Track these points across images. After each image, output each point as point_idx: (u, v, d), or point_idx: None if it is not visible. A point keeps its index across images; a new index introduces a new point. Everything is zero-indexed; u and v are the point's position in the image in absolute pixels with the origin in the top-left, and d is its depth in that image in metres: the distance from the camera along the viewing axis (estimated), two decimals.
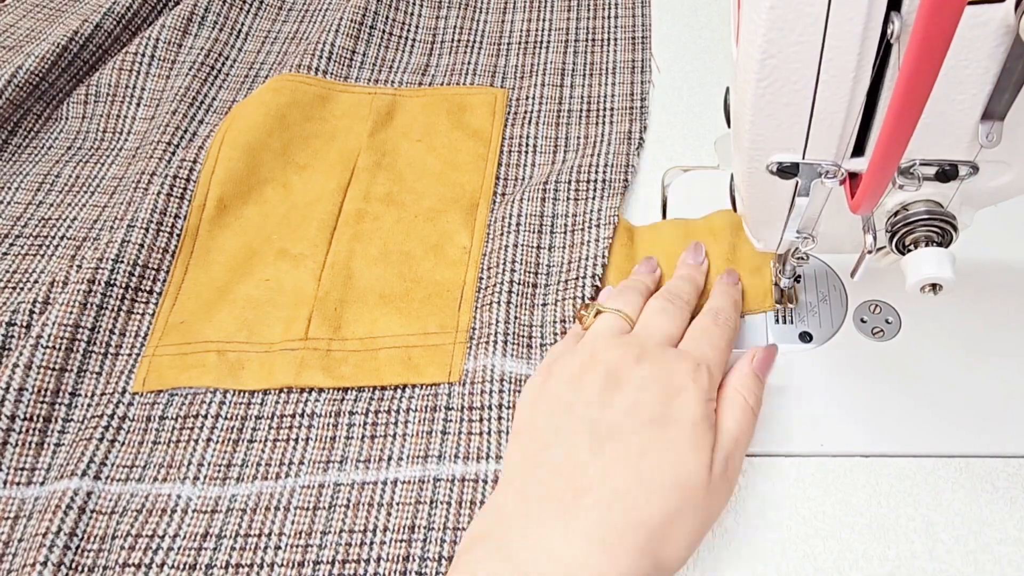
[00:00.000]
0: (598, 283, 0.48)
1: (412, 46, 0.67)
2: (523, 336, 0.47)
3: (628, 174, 0.54)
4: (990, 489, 0.39)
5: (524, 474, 0.36)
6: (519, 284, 0.48)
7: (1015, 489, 0.39)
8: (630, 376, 0.37)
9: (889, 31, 0.25)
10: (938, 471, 0.40)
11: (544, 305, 0.48)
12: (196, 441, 0.44)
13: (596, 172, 0.54)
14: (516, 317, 0.47)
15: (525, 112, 0.60)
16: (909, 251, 0.31)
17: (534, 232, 0.51)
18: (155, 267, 0.51)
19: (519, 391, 0.44)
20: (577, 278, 0.48)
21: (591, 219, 0.51)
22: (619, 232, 0.50)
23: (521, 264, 0.49)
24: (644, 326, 0.41)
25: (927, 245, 0.30)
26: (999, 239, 0.47)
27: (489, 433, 0.43)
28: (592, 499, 0.34)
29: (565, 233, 0.51)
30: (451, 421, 0.44)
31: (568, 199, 0.52)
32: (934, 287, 0.30)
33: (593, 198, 0.52)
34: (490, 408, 0.43)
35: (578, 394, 0.37)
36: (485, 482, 0.41)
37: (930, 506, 0.39)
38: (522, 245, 0.50)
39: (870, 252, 0.32)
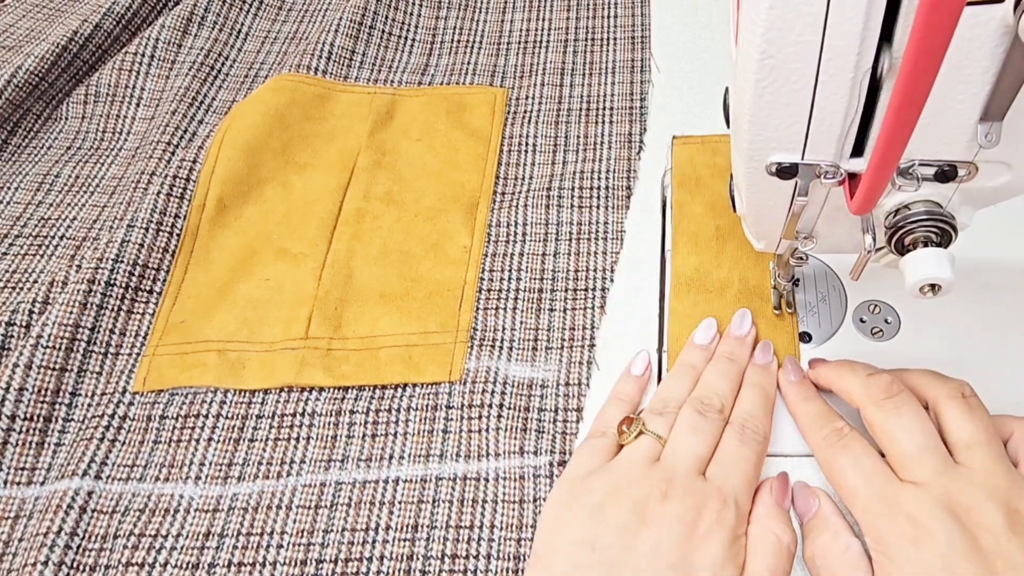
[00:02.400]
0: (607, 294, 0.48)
1: (412, 46, 0.67)
2: (528, 340, 0.47)
3: (631, 181, 0.54)
4: None
5: None
6: (524, 291, 0.49)
7: None
8: (655, 515, 0.35)
9: (879, 69, 0.25)
10: None
11: (551, 311, 0.48)
12: (197, 440, 0.44)
13: (599, 179, 0.54)
14: (522, 322, 0.48)
15: (525, 111, 0.60)
16: (908, 251, 0.31)
17: (539, 240, 0.51)
18: (155, 267, 0.51)
19: (521, 392, 0.44)
20: (587, 289, 0.48)
21: (597, 229, 0.52)
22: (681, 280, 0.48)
23: (527, 272, 0.50)
24: (673, 451, 0.38)
25: (926, 245, 0.30)
26: (999, 239, 0.47)
27: (489, 431, 0.43)
28: None
29: (570, 240, 0.51)
30: (452, 420, 0.44)
31: (572, 207, 0.53)
32: (933, 287, 0.30)
33: (597, 207, 0.53)
34: (490, 407, 0.43)
35: (600, 531, 0.36)
36: (486, 480, 0.41)
37: None
38: (528, 253, 0.51)
39: (869, 252, 0.32)
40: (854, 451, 0.36)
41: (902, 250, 0.31)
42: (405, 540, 0.40)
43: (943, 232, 0.30)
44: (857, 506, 0.35)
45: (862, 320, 0.45)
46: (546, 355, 0.46)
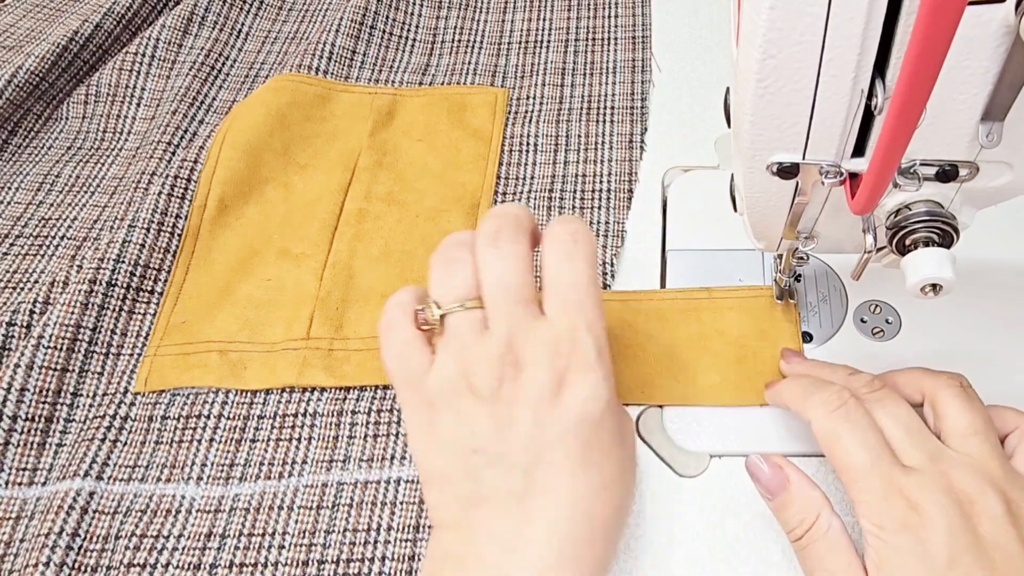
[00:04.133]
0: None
1: (412, 46, 0.67)
2: None
3: (632, 184, 0.54)
4: None
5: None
6: None
7: None
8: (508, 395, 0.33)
9: (873, 104, 0.26)
10: None
11: None
12: (199, 441, 0.44)
13: (600, 179, 0.54)
14: None
15: (526, 111, 0.60)
16: (909, 251, 0.31)
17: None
18: (156, 267, 0.51)
19: None
20: None
21: (598, 229, 0.52)
22: None
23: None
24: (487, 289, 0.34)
25: (927, 245, 0.30)
26: (999, 239, 0.47)
27: None
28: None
29: None
30: None
31: (574, 207, 0.53)
32: (934, 287, 0.30)
33: (598, 207, 0.53)
34: None
35: (475, 434, 0.33)
36: None
37: None
38: None
39: (870, 252, 0.32)
40: (860, 425, 0.34)
41: (903, 250, 0.31)
42: (407, 540, 0.40)
43: (944, 232, 0.30)
44: (857, 484, 0.33)
45: (863, 320, 0.45)
46: None
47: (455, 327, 0.34)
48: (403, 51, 0.66)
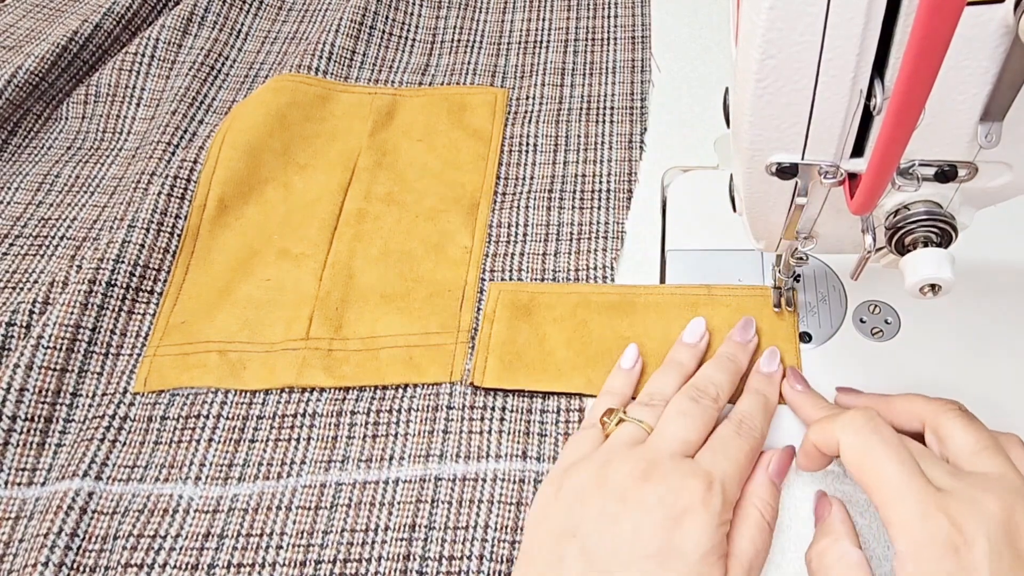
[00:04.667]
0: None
1: (412, 46, 0.67)
2: None
3: (632, 184, 0.54)
4: None
5: None
6: None
7: None
8: (635, 497, 0.34)
9: (872, 104, 0.26)
10: None
11: None
12: (198, 441, 0.44)
13: (600, 179, 0.54)
14: None
15: (525, 111, 0.60)
16: (908, 251, 0.31)
17: (540, 241, 0.52)
18: (156, 267, 0.51)
19: (522, 392, 0.44)
20: (587, 281, 0.49)
21: (598, 229, 0.52)
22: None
23: (528, 272, 0.50)
24: (660, 433, 0.37)
25: (926, 246, 0.30)
26: (999, 239, 0.47)
27: (490, 432, 0.43)
28: None
29: (571, 240, 0.51)
30: (452, 420, 0.44)
31: (573, 207, 0.53)
32: (933, 288, 0.30)
33: (598, 207, 0.53)
34: (492, 409, 0.43)
35: (582, 517, 0.35)
36: (484, 481, 0.41)
37: None
38: (529, 254, 0.51)
39: (869, 252, 0.32)
40: (892, 442, 0.32)
41: (902, 250, 0.31)
42: (403, 540, 0.40)
43: (943, 232, 0.30)
44: (893, 504, 0.31)
45: (862, 320, 0.45)
46: None
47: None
48: (403, 51, 0.66)
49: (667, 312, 0.46)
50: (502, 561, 0.39)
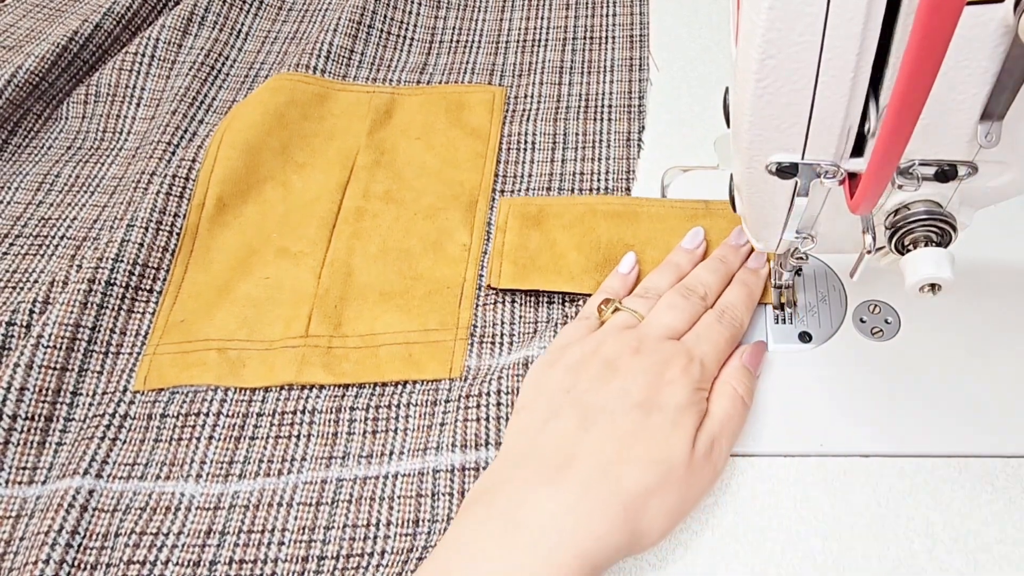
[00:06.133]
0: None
1: (410, 45, 0.67)
2: (528, 335, 0.47)
3: (630, 182, 0.54)
4: (989, 489, 0.39)
5: (521, 446, 0.39)
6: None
7: (1014, 489, 0.39)
8: (625, 366, 0.40)
9: (866, 128, 0.26)
10: (937, 471, 0.40)
11: (550, 304, 0.48)
12: (198, 439, 0.44)
13: (598, 178, 0.54)
14: (521, 316, 0.48)
15: (523, 110, 0.60)
16: (908, 251, 0.31)
17: None
18: (155, 266, 0.51)
19: (518, 374, 0.44)
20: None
21: None
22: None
23: None
24: (649, 321, 0.43)
25: (926, 245, 0.30)
26: (999, 239, 0.47)
27: (488, 420, 0.43)
28: (577, 469, 0.36)
29: None
30: (449, 412, 0.44)
31: None
32: (933, 287, 0.30)
33: None
34: (488, 395, 0.43)
35: (576, 380, 0.40)
36: (483, 471, 0.41)
37: (930, 506, 0.39)
38: None
39: (869, 252, 0.32)
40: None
41: (902, 250, 0.31)
42: (406, 535, 0.40)
43: (943, 232, 0.30)
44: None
45: (862, 320, 0.45)
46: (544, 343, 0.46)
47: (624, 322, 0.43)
48: (401, 50, 0.66)
49: (668, 222, 0.50)
50: None
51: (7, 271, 0.53)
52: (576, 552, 0.34)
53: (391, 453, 0.43)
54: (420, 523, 0.40)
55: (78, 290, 0.48)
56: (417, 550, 0.39)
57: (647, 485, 0.36)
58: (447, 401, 0.45)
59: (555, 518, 0.35)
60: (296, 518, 0.41)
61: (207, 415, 0.45)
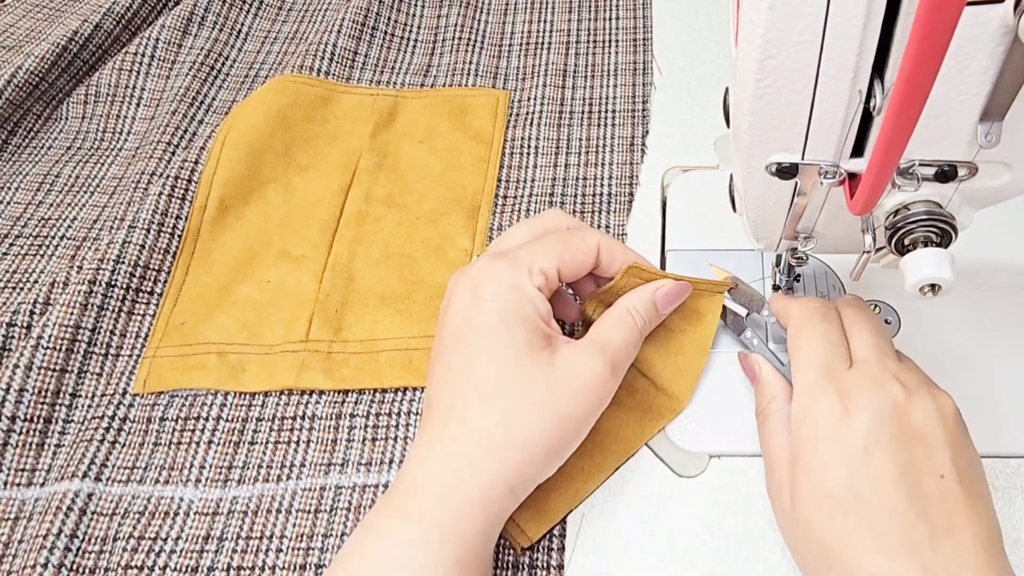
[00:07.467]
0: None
1: (414, 47, 0.67)
2: None
3: (633, 187, 0.54)
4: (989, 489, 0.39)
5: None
6: None
7: (1014, 489, 0.39)
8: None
9: (872, 105, 0.26)
10: None
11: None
12: (197, 443, 0.44)
13: (601, 182, 0.54)
14: None
15: (527, 114, 0.60)
16: (908, 251, 0.31)
17: None
18: (156, 268, 0.51)
19: None
20: None
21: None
22: None
23: None
24: None
25: (926, 245, 0.30)
26: (999, 239, 0.47)
27: None
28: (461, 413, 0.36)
29: None
30: None
31: (575, 211, 0.53)
32: (933, 287, 0.30)
33: (599, 210, 0.53)
34: None
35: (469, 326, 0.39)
36: None
37: None
38: None
39: (869, 252, 0.32)
40: (820, 327, 0.37)
41: (902, 250, 0.31)
42: None
43: (943, 232, 0.30)
44: (797, 372, 0.36)
45: None
46: None
47: None
48: (404, 52, 0.66)
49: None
50: (506, 548, 0.39)
51: (7, 271, 0.53)
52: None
53: (391, 461, 0.43)
54: None
55: (78, 291, 0.48)
56: None
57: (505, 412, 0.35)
58: None
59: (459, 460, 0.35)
60: (295, 525, 0.41)
61: (207, 419, 0.45)
